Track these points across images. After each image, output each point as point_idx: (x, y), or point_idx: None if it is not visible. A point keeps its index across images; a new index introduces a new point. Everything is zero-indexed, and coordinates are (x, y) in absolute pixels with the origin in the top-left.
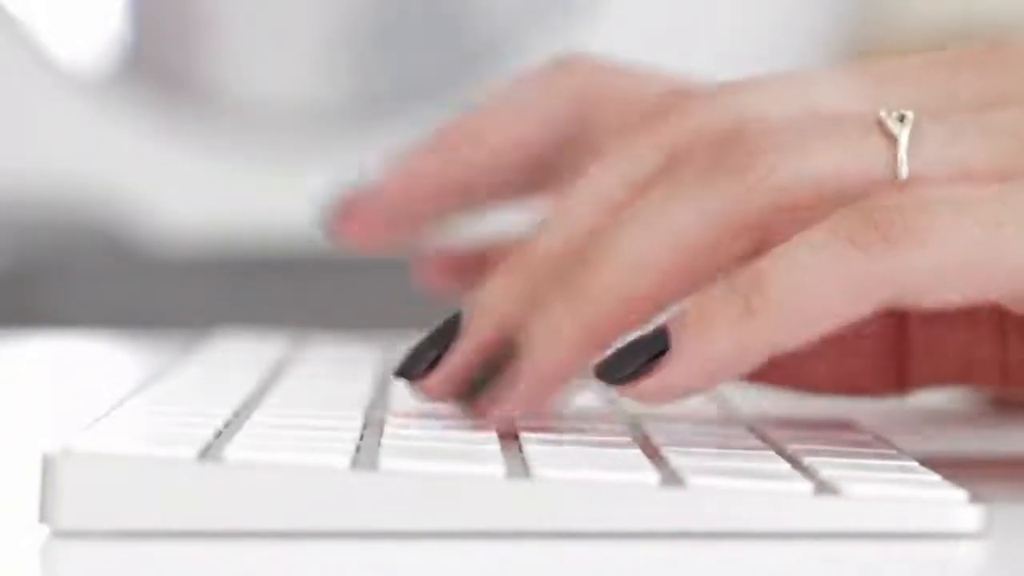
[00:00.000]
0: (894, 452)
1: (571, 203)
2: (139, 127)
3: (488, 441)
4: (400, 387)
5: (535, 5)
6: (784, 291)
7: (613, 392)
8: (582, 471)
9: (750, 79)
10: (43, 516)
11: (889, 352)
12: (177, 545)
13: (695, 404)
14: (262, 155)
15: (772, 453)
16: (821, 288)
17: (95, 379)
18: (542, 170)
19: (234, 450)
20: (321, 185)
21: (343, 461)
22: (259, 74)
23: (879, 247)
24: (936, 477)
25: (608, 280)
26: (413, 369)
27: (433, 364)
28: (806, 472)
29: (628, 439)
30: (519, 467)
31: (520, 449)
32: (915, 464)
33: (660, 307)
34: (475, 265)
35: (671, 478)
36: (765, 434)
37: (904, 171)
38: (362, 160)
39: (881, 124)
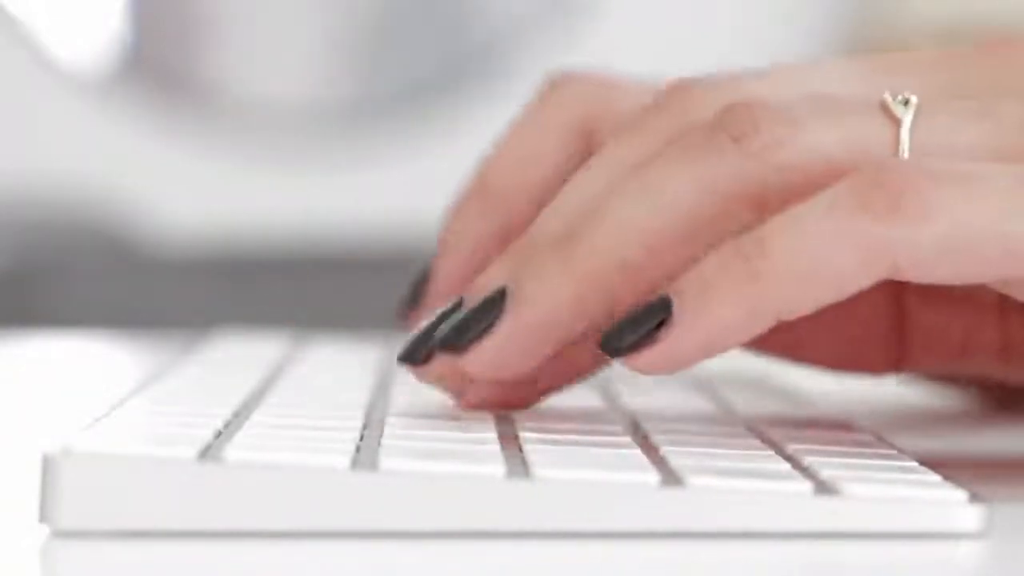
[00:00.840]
0: (894, 452)
1: (574, 186)
2: (139, 127)
3: (488, 441)
4: (400, 387)
5: (535, 5)
6: (789, 255)
7: (617, 363)
8: (582, 471)
9: (753, 68)
10: (43, 516)
11: (890, 328)
12: (177, 545)
13: (695, 404)
14: (262, 155)
15: (772, 453)
16: (826, 252)
17: (95, 379)
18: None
19: (234, 450)
20: (321, 185)
21: (343, 461)
22: (259, 74)
23: (886, 213)
24: (936, 477)
25: (601, 243)
26: (455, 341)
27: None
28: (806, 472)
29: (628, 439)
30: (519, 467)
31: (520, 449)
32: (915, 464)
33: (653, 278)
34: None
35: (671, 478)
36: (765, 434)
37: (905, 154)
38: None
39: (885, 107)
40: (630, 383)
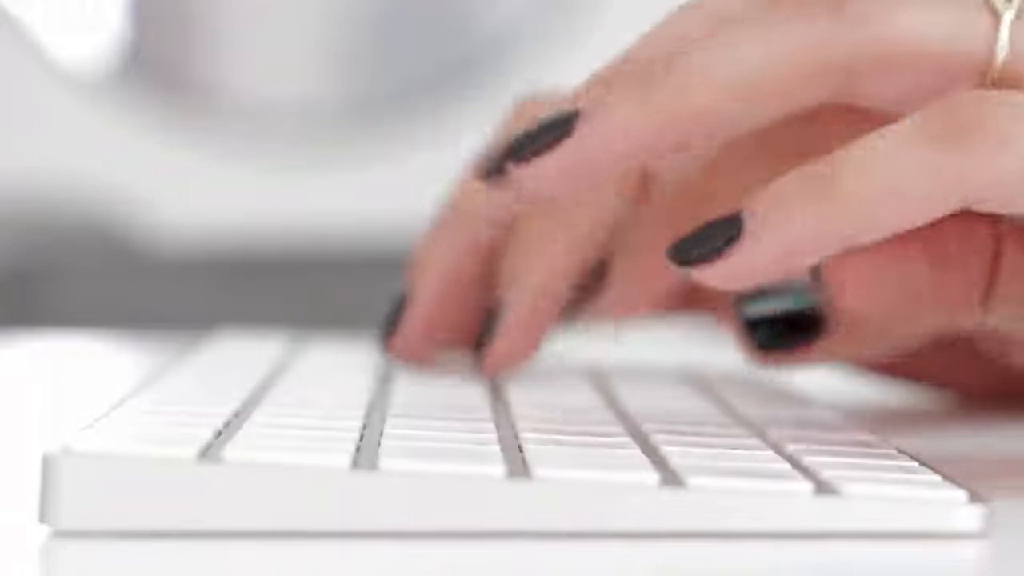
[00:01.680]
0: (894, 452)
1: (666, 24)
2: (139, 127)
3: (488, 441)
4: (400, 387)
5: (535, 5)
6: (861, 180)
7: (690, 273)
8: (582, 471)
9: None
10: (43, 516)
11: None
12: (177, 545)
13: (695, 404)
14: (262, 155)
15: (772, 453)
16: (899, 180)
17: (95, 379)
18: None
19: (234, 450)
20: (320, 185)
21: (343, 461)
22: (259, 74)
23: (960, 145)
24: (936, 477)
25: (680, 85)
26: (523, 151)
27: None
28: (806, 472)
29: (628, 439)
30: (519, 467)
31: (520, 449)
32: (915, 464)
33: (725, 131)
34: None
35: (671, 478)
36: (765, 434)
37: (1003, 51)
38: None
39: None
40: (630, 383)
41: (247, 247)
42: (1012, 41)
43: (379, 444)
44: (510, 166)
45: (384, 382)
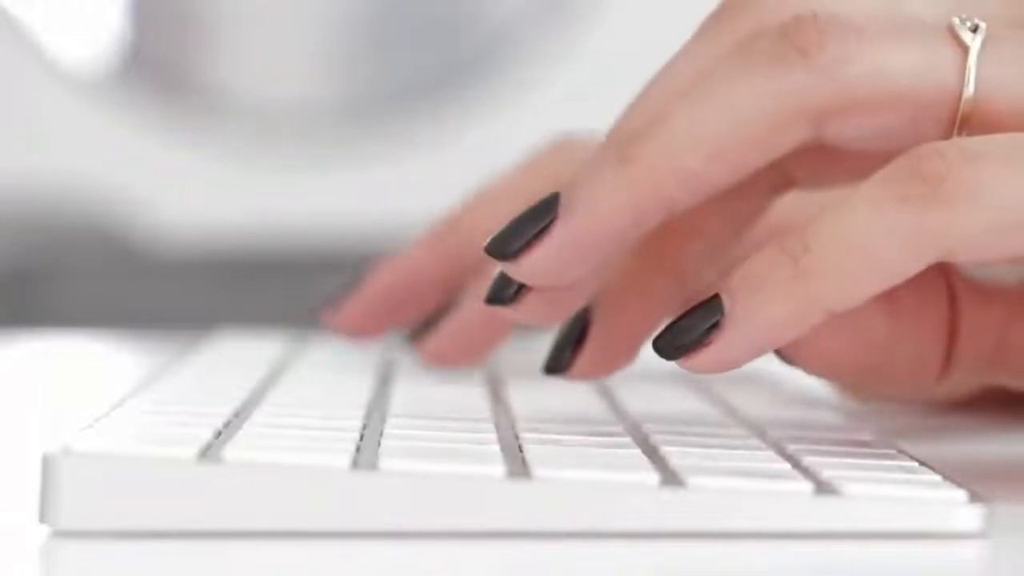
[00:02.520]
0: (894, 452)
1: (640, 95)
2: (139, 127)
3: (488, 441)
4: (400, 387)
5: (535, 5)
6: (834, 250)
7: (673, 364)
8: (582, 471)
9: None
10: (43, 516)
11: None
12: (177, 545)
13: (695, 404)
14: (262, 155)
15: (772, 453)
16: (872, 246)
17: (95, 379)
18: None
19: (234, 450)
20: (320, 185)
21: (343, 461)
22: (259, 74)
23: (929, 202)
24: (936, 477)
25: (658, 150)
26: (511, 244)
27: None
28: (806, 472)
29: (628, 439)
30: (519, 467)
31: (520, 449)
32: (915, 464)
33: (709, 188)
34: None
35: (671, 478)
36: (765, 434)
37: (972, 83)
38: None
39: (953, 31)
40: (630, 383)
41: (247, 247)
42: (979, 73)
43: (379, 444)
44: (505, 264)
45: (384, 382)
